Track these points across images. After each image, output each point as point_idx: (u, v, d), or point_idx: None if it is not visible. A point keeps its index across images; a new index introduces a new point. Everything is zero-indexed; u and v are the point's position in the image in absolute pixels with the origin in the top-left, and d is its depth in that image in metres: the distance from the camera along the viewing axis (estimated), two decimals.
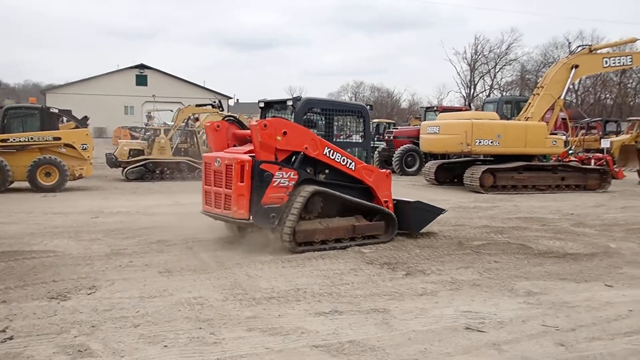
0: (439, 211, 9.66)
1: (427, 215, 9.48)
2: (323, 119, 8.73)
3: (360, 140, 9.20)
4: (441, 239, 9.13)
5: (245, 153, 7.96)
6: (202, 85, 62.80)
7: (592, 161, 21.06)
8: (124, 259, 7.57)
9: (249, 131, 8.34)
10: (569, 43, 56.69)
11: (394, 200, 9.16)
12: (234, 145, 8.75)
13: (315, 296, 5.94)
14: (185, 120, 21.81)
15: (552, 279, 6.83)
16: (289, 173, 7.88)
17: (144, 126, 26.66)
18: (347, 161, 8.48)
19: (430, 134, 18.49)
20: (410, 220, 9.22)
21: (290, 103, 8.38)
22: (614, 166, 21.81)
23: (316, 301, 5.78)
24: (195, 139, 21.70)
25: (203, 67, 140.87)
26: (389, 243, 8.61)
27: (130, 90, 58.24)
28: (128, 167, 20.16)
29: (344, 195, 8.43)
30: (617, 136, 31.91)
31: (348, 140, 9.23)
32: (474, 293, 6.20)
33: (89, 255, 7.77)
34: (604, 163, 20.87)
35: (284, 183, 7.84)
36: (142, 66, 60.62)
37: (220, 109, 23.69)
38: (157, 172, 20.33)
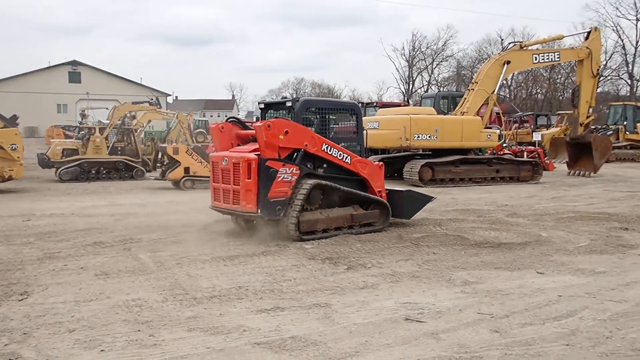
0: (429, 199, 10.50)
1: (417, 203, 10.32)
2: (320, 117, 9.33)
3: (354, 136, 9.69)
4: (382, 233, 9.28)
5: (250, 152, 8.62)
6: (139, 82, 61.24)
7: (525, 154, 21.92)
8: (58, 262, 7.31)
9: (251, 131, 9.16)
10: (502, 40, 58.76)
11: (386, 190, 9.86)
12: (238, 145, 9.30)
13: (257, 293, 5.93)
14: (122, 118, 21.24)
15: (488, 268, 7.07)
16: (292, 169, 8.52)
17: (78, 125, 25.76)
18: (343, 155, 9.14)
19: (370, 129, 18.68)
20: (403, 208, 10.07)
21: (289, 104, 8.91)
22: (545, 158, 22.83)
23: (258, 298, 5.77)
24: (132, 138, 21.16)
25: (140, 64, 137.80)
26: (331, 238, 8.69)
27: (63, 87, 56.12)
28: (62, 168, 19.47)
29: (341, 187, 9.07)
30: (547, 129, 33.36)
31: (343, 136, 9.66)
32: (414, 284, 6.34)
33: (20, 259, 7.46)
34: (536, 155, 21.78)
35: (287, 178, 8.49)
36: (75, 63, 58.52)
37: (158, 106, 23.25)
38: (93, 172, 19.74)
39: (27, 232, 9.45)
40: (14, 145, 15.97)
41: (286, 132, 8.37)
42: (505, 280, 6.50)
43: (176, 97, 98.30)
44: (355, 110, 9.74)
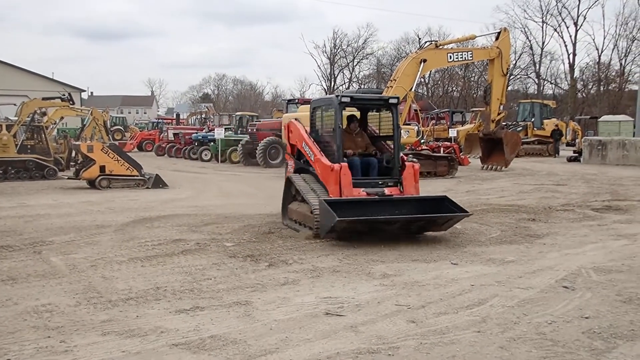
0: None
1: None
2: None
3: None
4: (302, 232, 9.32)
5: None
6: (51, 77, 58.19)
7: (441, 149, 22.73)
8: None
9: None
10: (419, 39, 60.50)
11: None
12: None
13: (176, 294, 5.82)
14: (31, 115, 20.14)
15: (405, 261, 7.29)
16: (292, 162, 10.17)
17: None
18: (310, 153, 9.37)
19: None
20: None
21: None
22: (460, 153, 23.77)
23: (177, 299, 5.66)
24: (43, 135, 20.12)
25: (51, 58, 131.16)
26: (254, 236, 8.65)
27: None
28: None
29: (297, 183, 9.32)
30: (462, 126, 34.77)
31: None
32: (334, 279, 6.43)
33: None
34: (452, 151, 22.62)
35: (290, 170, 10.00)
36: None
37: (71, 102, 22.22)
38: (0, 171, 18.60)
39: None
40: None
41: (291, 131, 10.02)
42: (421, 272, 6.72)
43: (91, 92, 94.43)
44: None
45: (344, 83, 69.08)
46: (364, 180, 8.95)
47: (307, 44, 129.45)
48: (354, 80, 69.28)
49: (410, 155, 15.26)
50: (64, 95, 22.65)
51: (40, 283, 6.22)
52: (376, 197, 8.72)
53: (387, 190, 8.87)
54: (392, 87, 19.08)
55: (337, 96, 9.15)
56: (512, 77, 55.67)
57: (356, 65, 70.09)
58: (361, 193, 8.72)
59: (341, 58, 69.69)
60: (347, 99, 9.10)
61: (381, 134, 10.12)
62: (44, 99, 22.23)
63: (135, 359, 4.23)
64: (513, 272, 6.72)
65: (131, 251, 7.77)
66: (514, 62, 55.74)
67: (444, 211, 8.64)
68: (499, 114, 21.86)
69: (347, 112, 9.67)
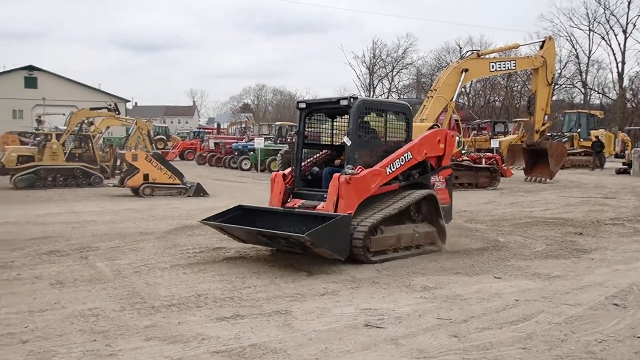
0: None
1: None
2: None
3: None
4: None
5: None
6: (97, 88, 60.02)
7: (483, 160, 22.37)
8: (12, 272, 7.09)
9: None
10: (460, 48, 59.88)
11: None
12: None
13: (217, 301, 5.87)
14: (79, 125, 20.78)
15: (447, 274, 7.18)
16: None
17: (34, 131, 25.09)
18: None
19: None
20: None
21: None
22: (503, 165, 23.33)
23: (218, 306, 5.72)
24: (90, 144, 20.72)
25: (98, 70, 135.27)
26: None
27: (19, 93, 54.46)
28: (17, 175, 18.92)
29: None
30: (505, 136, 34.16)
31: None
32: (374, 290, 6.38)
33: None
34: (494, 162, 22.23)
35: None
36: (31, 67, 56.90)
37: (117, 112, 22.84)
38: (49, 179, 19.24)
39: None
40: None
41: None
42: (463, 285, 6.60)
43: (136, 103, 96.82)
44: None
45: (383, 93, 68.90)
46: (311, 192, 8.30)
47: (346, 54, 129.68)
48: (393, 90, 69.04)
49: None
50: (110, 105, 23.33)
51: (86, 288, 6.38)
52: (279, 209, 8.25)
53: (322, 204, 7.87)
54: (432, 97, 18.92)
55: (297, 102, 9.15)
56: (557, 86, 54.50)
57: (395, 75, 69.86)
58: (296, 204, 8.18)
59: (380, 68, 69.59)
60: (303, 105, 8.85)
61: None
62: (91, 109, 22.94)
63: None
64: (560, 287, 6.53)
65: (173, 258, 7.90)
66: (559, 71, 54.52)
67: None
68: (543, 124, 21.40)
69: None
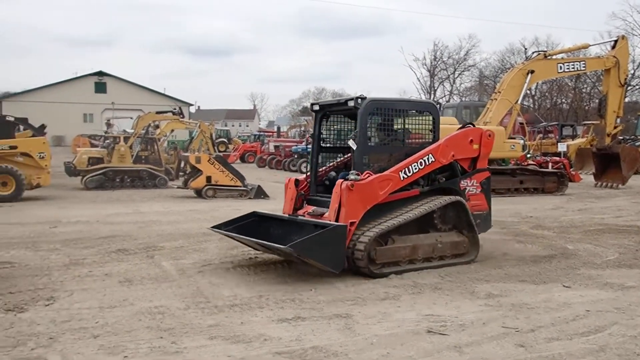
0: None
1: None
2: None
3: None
4: None
5: None
6: (163, 92, 62.05)
7: (550, 164, 21.62)
8: (83, 269, 7.40)
9: None
10: (525, 49, 58.15)
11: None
12: None
13: (278, 303, 5.92)
14: (146, 128, 21.52)
15: (512, 281, 6.96)
16: None
17: (104, 134, 26.15)
18: None
19: None
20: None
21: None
22: (571, 169, 22.46)
23: (279, 308, 5.76)
24: (155, 147, 21.41)
25: (163, 74, 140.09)
26: None
27: (89, 97, 57.10)
28: (87, 176, 19.77)
29: None
30: (573, 140, 32.88)
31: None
32: (436, 296, 6.27)
33: (47, 265, 7.57)
34: (561, 166, 21.45)
35: None
36: (100, 73, 59.55)
37: (181, 116, 23.48)
38: (117, 180, 20.00)
39: (54, 239, 9.60)
40: (42, 154, 16.26)
41: None
42: (530, 294, 6.39)
43: (198, 106, 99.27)
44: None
45: (444, 95, 67.79)
46: (323, 198, 7.81)
47: (406, 56, 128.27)
48: (455, 92, 67.83)
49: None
50: (175, 109, 24.01)
51: (153, 286, 6.58)
52: (286, 216, 7.91)
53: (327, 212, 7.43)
54: (496, 99, 18.48)
55: (311, 104, 8.69)
56: (630, 87, 52.00)
57: (457, 77, 68.60)
58: (307, 210, 7.78)
59: (441, 70, 68.52)
60: (317, 107, 8.41)
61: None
62: (157, 112, 23.68)
63: None
64: (634, 298, 6.20)
65: (235, 259, 8.03)
66: (632, 71, 52.01)
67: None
68: (615, 127, 20.46)
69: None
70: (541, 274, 7.32)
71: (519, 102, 18.48)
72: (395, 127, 8.00)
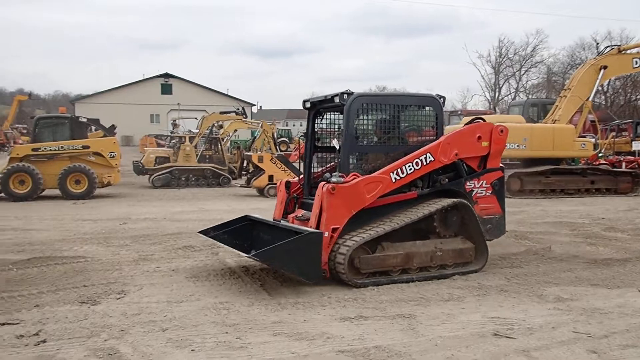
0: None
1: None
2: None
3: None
4: None
5: None
6: (226, 93, 63.31)
7: (623, 164, 20.64)
8: (152, 264, 7.65)
9: None
10: (597, 44, 55.69)
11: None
12: None
13: (341, 301, 5.92)
14: (210, 128, 22.03)
15: (583, 285, 6.69)
16: None
17: (170, 134, 26.96)
18: None
19: None
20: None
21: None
22: None
23: (341, 306, 5.76)
24: (219, 146, 21.89)
25: (226, 75, 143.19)
26: None
27: (156, 99, 58.94)
28: (154, 174, 20.45)
29: None
30: None
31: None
32: (502, 299, 6.11)
33: (117, 260, 7.88)
34: (636, 166, 20.43)
35: None
36: (167, 75, 61.37)
37: (244, 116, 23.87)
38: (183, 178, 20.57)
39: (124, 235, 9.98)
40: (112, 153, 16.96)
41: None
42: (603, 298, 6.12)
43: (260, 107, 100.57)
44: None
45: (509, 93, 65.90)
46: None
47: (470, 54, 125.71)
48: (521, 90, 65.78)
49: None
50: (238, 109, 24.46)
51: (218, 282, 6.73)
52: (270, 221, 7.54)
53: None
54: (565, 96, 17.83)
55: (303, 102, 8.01)
56: None
57: (523, 74, 66.48)
58: (297, 215, 7.31)
59: (507, 67, 66.60)
60: (308, 104, 7.83)
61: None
62: (221, 113, 24.21)
63: None
64: None
65: None
66: None
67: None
68: None
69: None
70: (615, 278, 7.00)
71: (590, 99, 17.78)
72: (390, 124, 7.35)
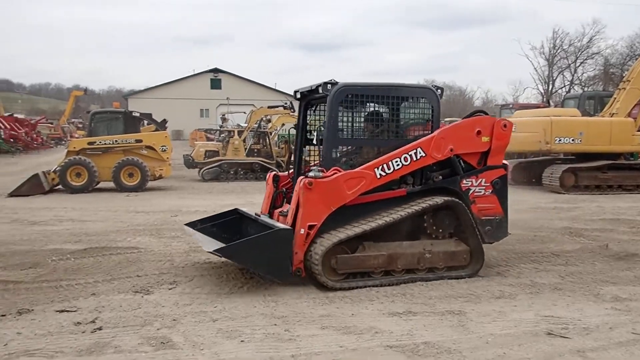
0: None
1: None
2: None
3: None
4: (519, 242, 8.80)
5: None
6: (274, 87, 63.82)
7: None
8: (202, 256, 7.78)
9: None
10: None
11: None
12: None
13: (389, 296, 5.88)
14: (258, 122, 22.22)
15: None
16: None
17: (219, 128, 27.35)
18: None
19: None
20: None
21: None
22: None
23: (389, 301, 5.73)
24: (267, 140, 22.07)
25: (274, 70, 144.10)
26: None
27: (205, 93, 59.95)
28: (204, 168, 20.77)
29: None
30: None
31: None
32: (556, 297, 5.94)
33: (169, 252, 8.06)
34: None
35: None
36: (216, 70, 62.30)
37: (292, 110, 23.97)
38: (232, 172, 20.84)
39: (175, 227, 10.19)
40: (164, 147, 17.35)
41: None
42: None
43: None
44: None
45: (564, 86, 63.87)
46: None
47: (522, 45, 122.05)
48: (576, 82, 63.65)
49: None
50: (286, 103, 24.56)
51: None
52: (252, 216, 7.23)
53: None
54: (624, 89, 17.12)
55: (294, 92, 7.58)
56: None
57: (579, 66, 64.26)
58: (283, 210, 6.93)
59: (561, 59, 64.51)
60: (299, 95, 7.44)
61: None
62: (269, 107, 24.38)
63: (352, 355, 4.37)
64: None
65: None
66: None
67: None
68: None
69: None
70: None
71: None
72: (379, 117, 6.99)
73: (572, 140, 16.16)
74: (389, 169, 6.48)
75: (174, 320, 5.13)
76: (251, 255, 6.06)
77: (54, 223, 10.61)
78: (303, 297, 5.82)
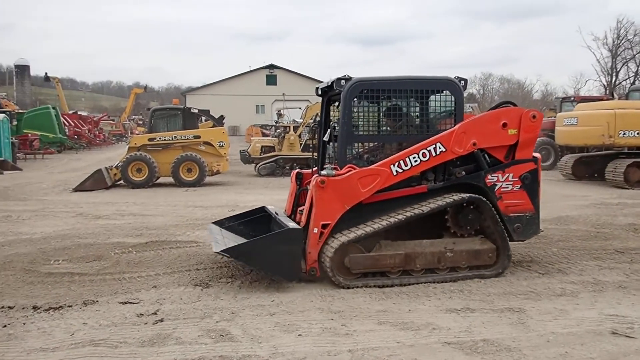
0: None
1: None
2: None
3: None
4: (581, 238, 8.54)
5: None
6: None
7: None
8: None
9: None
10: None
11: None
12: None
13: (446, 292, 5.84)
14: (313, 117, 22.33)
15: None
16: None
17: (274, 124, 27.67)
18: None
19: (567, 125, 17.35)
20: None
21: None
22: None
23: (447, 298, 5.68)
24: None
25: (329, 65, 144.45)
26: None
27: (261, 89, 60.68)
28: (260, 163, 21.08)
29: None
30: None
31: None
32: (620, 296, 5.74)
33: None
34: None
35: None
36: (272, 66, 62.94)
37: None
38: (287, 167, 21.04)
39: None
40: (221, 143, 17.71)
41: None
42: None
43: None
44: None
45: (628, 77, 61.08)
46: None
47: (584, 36, 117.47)
48: None
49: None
50: None
51: None
52: (272, 213, 7.13)
53: None
54: None
55: (316, 88, 7.42)
56: None
57: None
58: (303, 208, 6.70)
59: (626, 50, 61.69)
60: (319, 91, 7.27)
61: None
62: None
63: (410, 351, 4.37)
64: None
65: None
66: None
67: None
68: None
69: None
70: None
71: None
72: (398, 112, 6.72)
73: (638, 133, 15.49)
74: (406, 165, 6.27)
75: (233, 313, 5.26)
76: (257, 256, 6.01)
77: (116, 217, 11.03)
78: (359, 292, 5.85)
